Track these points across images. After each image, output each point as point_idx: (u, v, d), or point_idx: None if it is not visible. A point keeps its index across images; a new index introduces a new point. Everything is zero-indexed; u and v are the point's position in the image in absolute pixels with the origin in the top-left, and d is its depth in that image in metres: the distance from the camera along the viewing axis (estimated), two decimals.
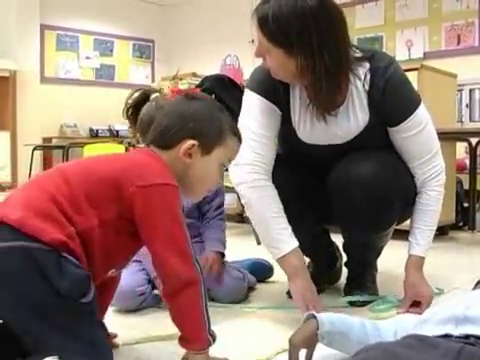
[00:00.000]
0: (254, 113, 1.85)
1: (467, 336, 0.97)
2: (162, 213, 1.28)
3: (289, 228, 1.80)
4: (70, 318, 1.17)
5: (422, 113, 1.84)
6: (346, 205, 1.85)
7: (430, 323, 1.07)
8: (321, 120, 1.81)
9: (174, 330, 1.33)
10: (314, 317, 1.29)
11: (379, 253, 2.10)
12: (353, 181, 1.80)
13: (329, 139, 1.86)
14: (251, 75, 1.94)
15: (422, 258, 1.89)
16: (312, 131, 1.87)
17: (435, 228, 1.91)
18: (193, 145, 1.38)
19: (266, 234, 1.81)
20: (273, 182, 1.83)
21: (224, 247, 2.13)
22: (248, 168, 1.80)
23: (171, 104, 1.47)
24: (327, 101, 1.75)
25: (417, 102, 1.84)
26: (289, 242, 1.79)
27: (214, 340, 1.33)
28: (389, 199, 1.82)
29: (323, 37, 1.64)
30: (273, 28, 1.63)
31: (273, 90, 1.83)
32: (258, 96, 1.85)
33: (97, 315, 1.26)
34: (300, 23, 1.61)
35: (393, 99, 1.79)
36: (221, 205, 2.22)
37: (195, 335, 1.31)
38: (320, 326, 1.26)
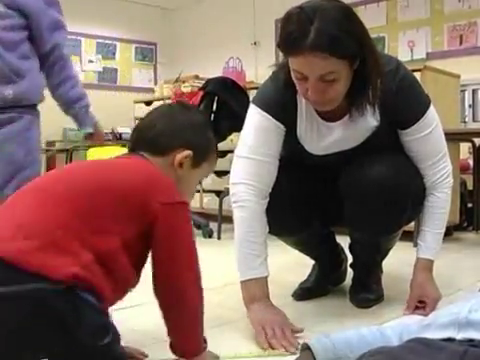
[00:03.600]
0: (256, 130, 1.80)
1: (471, 340, 0.96)
2: (185, 234, 1.25)
3: (262, 257, 1.76)
4: None
5: (432, 114, 1.84)
6: (360, 206, 1.85)
7: (432, 327, 1.06)
8: (328, 130, 1.81)
9: None
10: (308, 348, 1.21)
11: (386, 255, 2.10)
12: (367, 182, 1.80)
13: (338, 147, 1.85)
14: (259, 91, 1.89)
15: (432, 261, 1.89)
16: (320, 143, 1.85)
17: (444, 231, 1.92)
18: (188, 156, 1.35)
19: (238, 254, 1.78)
20: (280, 185, 1.82)
21: None
22: (242, 187, 1.78)
23: (168, 110, 1.44)
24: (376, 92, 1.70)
25: (428, 103, 1.84)
26: (255, 269, 1.74)
27: (205, 346, 1.34)
28: (403, 199, 1.82)
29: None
30: (345, 39, 1.53)
31: (281, 107, 1.79)
32: (263, 113, 1.80)
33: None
34: (348, 15, 1.57)
35: (406, 102, 1.78)
36: None
37: (193, 345, 1.31)
38: (317, 357, 1.19)
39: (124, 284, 1.23)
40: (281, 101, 1.78)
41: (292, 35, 1.54)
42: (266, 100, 1.82)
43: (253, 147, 1.79)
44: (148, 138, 1.36)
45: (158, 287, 1.25)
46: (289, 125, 1.82)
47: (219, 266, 2.70)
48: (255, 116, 1.82)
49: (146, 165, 1.31)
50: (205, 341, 1.35)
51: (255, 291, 1.74)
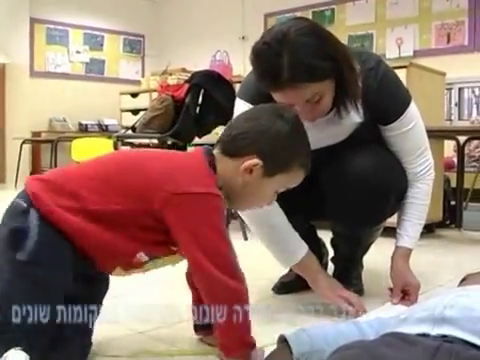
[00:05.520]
0: None
1: (444, 335, 0.97)
2: (200, 222, 1.25)
3: (296, 233, 1.87)
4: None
5: (413, 110, 1.86)
6: (343, 198, 1.85)
7: (408, 322, 1.06)
8: (314, 128, 1.80)
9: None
10: (285, 340, 1.21)
11: (367, 250, 2.11)
12: (350, 174, 1.81)
13: (322, 143, 1.84)
14: (242, 84, 1.91)
15: (410, 250, 1.91)
16: None
17: (424, 222, 1.93)
18: (256, 164, 1.34)
19: (275, 243, 1.89)
20: None
21: None
22: None
23: (258, 113, 1.43)
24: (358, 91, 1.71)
25: (409, 99, 1.86)
26: (301, 246, 1.87)
27: (253, 345, 1.30)
28: (386, 192, 1.84)
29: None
30: (319, 62, 1.53)
31: (265, 97, 1.73)
32: (248, 104, 1.79)
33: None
34: (320, 36, 1.57)
35: (387, 99, 1.79)
36: None
37: (238, 344, 1.29)
38: (294, 350, 1.18)
39: (132, 244, 1.30)
40: (264, 91, 1.77)
41: (266, 74, 1.57)
42: (250, 91, 1.82)
43: None
44: (228, 137, 1.38)
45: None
46: None
47: None
48: (240, 108, 1.81)
49: (182, 157, 1.39)
50: (253, 344, 1.31)
51: (314, 266, 1.90)
